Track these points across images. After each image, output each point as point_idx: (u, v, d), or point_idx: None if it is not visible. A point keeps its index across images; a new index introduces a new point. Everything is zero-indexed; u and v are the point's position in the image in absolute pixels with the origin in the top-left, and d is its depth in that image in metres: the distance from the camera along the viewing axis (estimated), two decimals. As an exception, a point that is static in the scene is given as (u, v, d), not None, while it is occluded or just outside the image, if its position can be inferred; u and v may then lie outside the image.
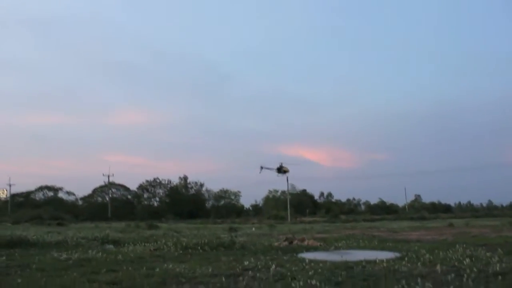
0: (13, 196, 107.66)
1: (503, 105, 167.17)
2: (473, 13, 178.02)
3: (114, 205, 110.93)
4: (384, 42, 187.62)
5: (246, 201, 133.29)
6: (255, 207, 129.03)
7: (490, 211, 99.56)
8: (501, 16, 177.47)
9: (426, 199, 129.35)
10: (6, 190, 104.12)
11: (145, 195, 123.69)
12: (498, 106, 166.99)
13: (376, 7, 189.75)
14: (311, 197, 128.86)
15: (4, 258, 12.99)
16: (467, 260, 10.70)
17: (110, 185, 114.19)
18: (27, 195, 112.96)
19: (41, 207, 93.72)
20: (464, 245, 14.41)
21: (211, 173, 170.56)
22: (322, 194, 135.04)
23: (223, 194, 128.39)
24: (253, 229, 38.69)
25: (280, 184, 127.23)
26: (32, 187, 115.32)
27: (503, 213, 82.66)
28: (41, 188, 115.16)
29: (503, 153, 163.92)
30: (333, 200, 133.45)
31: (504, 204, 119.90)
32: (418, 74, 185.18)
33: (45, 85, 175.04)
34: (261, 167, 49.25)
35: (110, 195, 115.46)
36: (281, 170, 49.43)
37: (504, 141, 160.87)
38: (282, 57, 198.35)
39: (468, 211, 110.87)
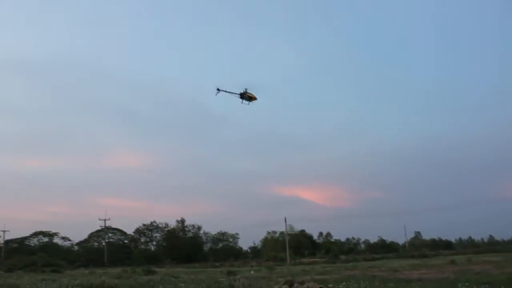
0: (7, 242, 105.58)
1: (501, 138, 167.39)
2: (461, 54, 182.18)
3: (110, 250, 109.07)
4: (378, 81, 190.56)
5: (245, 244, 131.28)
6: (254, 249, 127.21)
7: (492, 246, 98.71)
8: (486, 55, 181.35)
9: (427, 236, 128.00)
10: (0, 236, 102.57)
11: (142, 239, 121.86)
12: (496, 140, 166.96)
13: (370, 48, 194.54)
14: (310, 237, 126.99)
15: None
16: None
17: (107, 229, 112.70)
18: (21, 241, 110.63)
19: (36, 253, 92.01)
20: (467, 284, 14.14)
21: (208, 216, 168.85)
22: (321, 234, 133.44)
23: (221, 236, 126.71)
24: (252, 272, 38.08)
25: (278, 225, 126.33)
26: (27, 233, 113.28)
27: (505, 248, 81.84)
28: (35, 234, 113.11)
29: (503, 187, 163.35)
30: (332, 240, 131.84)
31: (506, 239, 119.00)
32: (414, 110, 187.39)
33: (40, 128, 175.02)
34: (218, 89, 41.15)
35: (106, 240, 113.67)
36: (244, 96, 40.84)
37: (504, 175, 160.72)
38: (276, 97, 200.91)
39: (470, 247, 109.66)
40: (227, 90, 40.81)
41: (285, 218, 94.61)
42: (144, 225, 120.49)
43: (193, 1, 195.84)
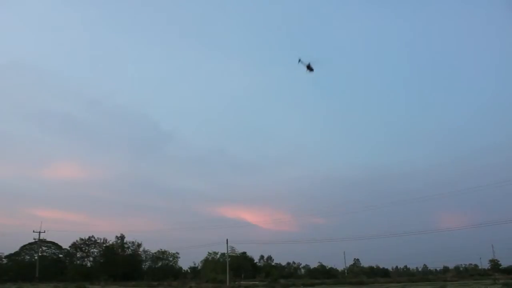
0: None
1: (435, 173, 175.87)
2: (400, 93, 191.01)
3: (43, 264, 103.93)
4: (327, 110, 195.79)
5: (185, 263, 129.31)
6: (194, 270, 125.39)
7: (425, 275, 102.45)
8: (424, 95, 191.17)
9: (365, 263, 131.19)
10: None
11: (78, 254, 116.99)
12: (431, 174, 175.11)
13: (326, 77, 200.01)
14: (251, 260, 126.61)
15: None
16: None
17: (41, 242, 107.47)
18: None
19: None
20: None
21: (149, 233, 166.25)
22: (262, 257, 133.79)
23: (161, 255, 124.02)
24: (190, 293, 37.48)
25: (220, 246, 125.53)
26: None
27: (437, 277, 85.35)
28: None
29: (438, 218, 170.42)
30: (273, 263, 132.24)
31: (438, 269, 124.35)
32: (359, 143, 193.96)
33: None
34: (299, 60, 53.34)
35: (39, 253, 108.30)
36: (310, 67, 53.43)
37: (439, 207, 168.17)
38: (224, 119, 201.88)
39: (405, 275, 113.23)
40: (304, 62, 53.03)
41: (227, 240, 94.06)
42: (81, 239, 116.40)
43: (146, 17, 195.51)
